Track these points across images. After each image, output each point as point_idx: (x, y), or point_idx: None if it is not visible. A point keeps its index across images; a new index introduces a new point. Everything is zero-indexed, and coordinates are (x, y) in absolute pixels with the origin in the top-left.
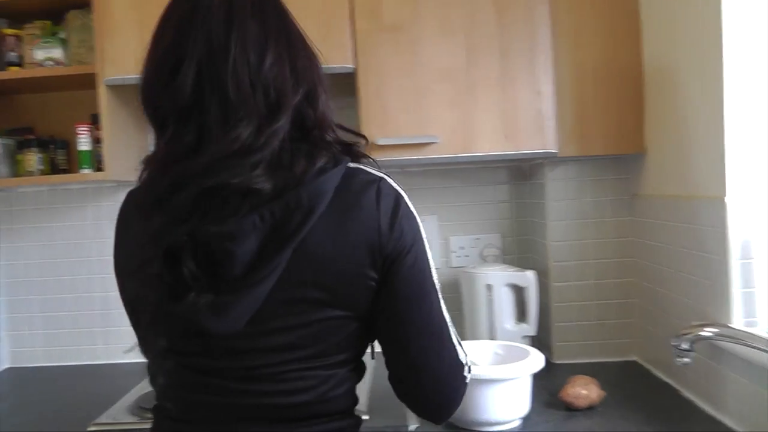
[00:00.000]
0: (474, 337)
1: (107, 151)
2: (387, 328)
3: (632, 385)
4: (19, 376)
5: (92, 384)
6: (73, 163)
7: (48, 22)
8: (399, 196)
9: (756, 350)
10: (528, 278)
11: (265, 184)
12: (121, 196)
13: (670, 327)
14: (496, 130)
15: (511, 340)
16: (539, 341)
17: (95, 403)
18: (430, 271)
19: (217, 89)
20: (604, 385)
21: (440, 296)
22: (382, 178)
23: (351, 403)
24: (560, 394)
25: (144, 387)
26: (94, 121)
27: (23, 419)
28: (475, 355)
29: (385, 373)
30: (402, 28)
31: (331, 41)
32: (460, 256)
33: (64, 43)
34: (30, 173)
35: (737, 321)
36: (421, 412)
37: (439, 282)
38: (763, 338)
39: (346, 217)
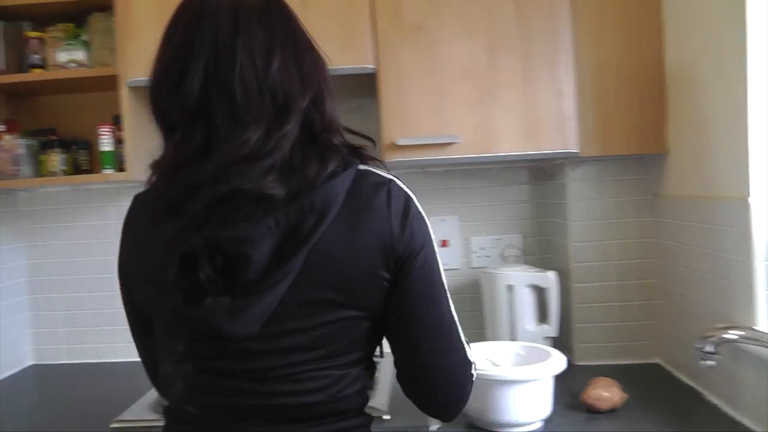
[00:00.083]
0: (495, 338)
1: (129, 151)
2: (398, 328)
3: (654, 387)
4: (42, 372)
5: (114, 381)
6: (95, 164)
7: (71, 25)
8: (408, 198)
9: None
10: (549, 279)
11: (278, 190)
12: None
13: (693, 329)
14: (517, 130)
15: (532, 341)
16: (560, 342)
17: (117, 400)
18: (439, 272)
19: (225, 93)
20: (625, 387)
21: (449, 296)
22: (391, 180)
23: (362, 402)
24: (582, 396)
25: None
26: (116, 122)
27: (47, 415)
28: (497, 355)
29: None
30: (423, 29)
31: (352, 42)
32: (480, 257)
33: (86, 45)
34: (53, 173)
35: (762, 323)
36: (431, 411)
37: (447, 282)
38: None
39: (358, 219)
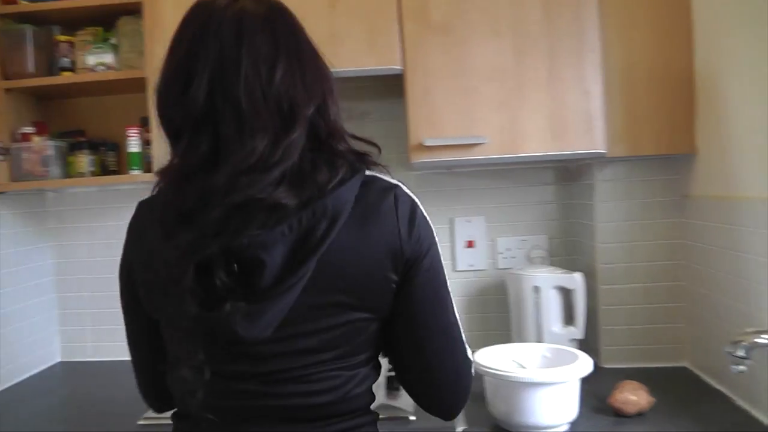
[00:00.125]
0: (521, 340)
1: (156, 152)
2: (405, 329)
3: (683, 391)
4: (70, 370)
5: None
6: (122, 165)
7: (100, 29)
8: (414, 203)
9: None
10: (576, 280)
11: (290, 200)
12: None
13: (722, 333)
14: (544, 130)
15: (558, 343)
16: (586, 345)
17: None
18: (444, 275)
19: (230, 102)
20: (653, 391)
21: (452, 297)
22: (397, 185)
23: (370, 400)
24: (609, 400)
25: None
26: (144, 123)
27: (75, 412)
28: (523, 357)
29: None
30: (449, 29)
31: (379, 43)
32: (507, 258)
33: (115, 48)
34: (81, 174)
35: None
36: (436, 410)
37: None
38: None
39: (367, 223)
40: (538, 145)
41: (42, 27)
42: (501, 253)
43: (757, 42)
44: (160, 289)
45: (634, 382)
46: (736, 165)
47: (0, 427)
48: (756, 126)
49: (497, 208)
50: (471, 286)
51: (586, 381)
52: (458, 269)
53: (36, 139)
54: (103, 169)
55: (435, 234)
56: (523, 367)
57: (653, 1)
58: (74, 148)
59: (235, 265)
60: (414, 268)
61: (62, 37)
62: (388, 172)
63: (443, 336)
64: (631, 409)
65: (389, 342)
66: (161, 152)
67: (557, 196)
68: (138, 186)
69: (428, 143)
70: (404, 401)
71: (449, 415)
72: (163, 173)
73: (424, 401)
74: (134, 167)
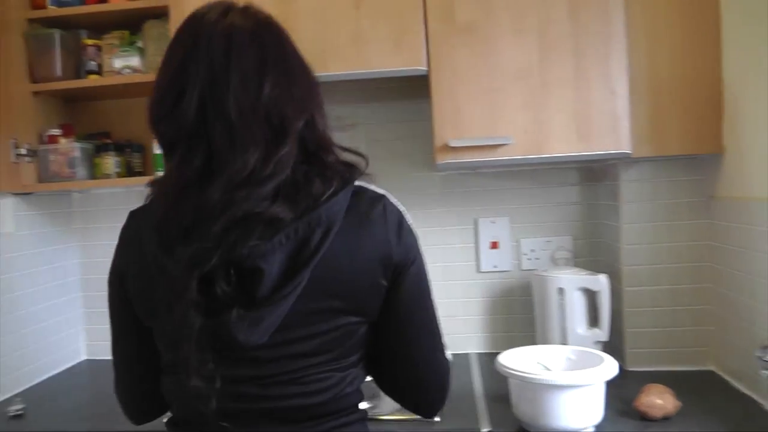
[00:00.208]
0: (545, 342)
1: None
2: (393, 329)
3: (710, 396)
4: (95, 367)
5: None
6: (148, 166)
7: (126, 32)
8: (401, 213)
9: None
10: (601, 282)
11: (286, 213)
12: None
13: (750, 336)
14: (569, 130)
15: (582, 345)
16: (611, 347)
17: None
18: (428, 279)
19: (220, 115)
20: (679, 395)
21: (434, 300)
22: (384, 195)
23: (360, 399)
24: (635, 403)
25: None
26: None
27: (101, 409)
28: (548, 360)
29: (456, 376)
30: (475, 28)
31: (404, 43)
32: (531, 259)
33: (141, 51)
34: (107, 176)
35: None
36: (421, 408)
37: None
38: None
39: (358, 232)
40: (563, 146)
41: (70, 31)
42: (525, 254)
43: None
44: (161, 301)
45: (660, 385)
46: (765, 165)
47: (27, 425)
48: None
49: (522, 209)
50: (495, 288)
51: (611, 384)
52: (482, 270)
53: (63, 141)
54: (129, 171)
55: (419, 241)
56: (548, 370)
57: (680, 0)
58: (100, 149)
59: (235, 274)
60: (402, 273)
61: (89, 41)
62: (374, 182)
63: (429, 335)
64: (657, 413)
65: (377, 344)
66: None
67: (582, 197)
68: None
69: (453, 144)
70: None
71: (432, 411)
72: (159, 184)
73: (409, 398)
74: (160, 169)
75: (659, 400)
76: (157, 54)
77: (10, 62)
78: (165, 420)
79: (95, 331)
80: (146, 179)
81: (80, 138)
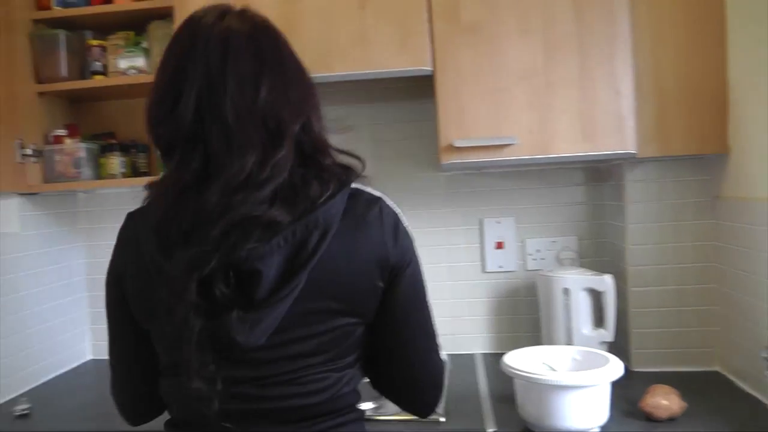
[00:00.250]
0: (551, 342)
1: None
2: (390, 331)
3: (715, 396)
4: (101, 367)
5: None
6: (153, 167)
7: (131, 33)
8: (397, 215)
9: None
10: (606, 282)
11: (284, 216)
12: None
13: (756, 337)
14: (574, 130)
15: (588, 346)
16: (616, 348)
17: None
18: (423, 280)
19: (217, 119)
20: (684, 395)
21: (430, 301)
22: (380, 198)
23: (357, 398)
24: (640, 404)
25: None
26: None
27: (106, 409)
28: (553, 360)
29: (461, 376)
30: (479, 29)
31: (409, 44)
32: (536, 259)
33: (146, 52)
34: (112, 176)
35: None
36: (416, 408)
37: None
38: None
39: (355, 234)
40: (568, 146)
41: (75, 32)
42: (530, 255)
43: None
44: (160, 303)
45: (666, 386)
46: None
47: (33, 425)
48: None
49: (527, 209)
50: (500, 288)
51: (616, 384)
52: (488, 270)
53: (68, 141)
54: (134, 171)
55: (415, 243)
56: (554, 370)
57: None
58: (105, 150)
59: (234, 277)
60: (399, 275)
61: (94, 42)
62: (370, 184)
63: (425, 336)
64: (662, 414)
65: (373, 345)
66: None
67: (587, 197)
68: None
69: (458, 144)
70: None
71: (429, 411)
72: (156, 187)
73: (405, 399)
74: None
75: (665, 401)
76: (161, 55)
77: (15, 63)
78: (164, 421)
79: (101, 331)
80: (151, 179)
81: (85, 138)
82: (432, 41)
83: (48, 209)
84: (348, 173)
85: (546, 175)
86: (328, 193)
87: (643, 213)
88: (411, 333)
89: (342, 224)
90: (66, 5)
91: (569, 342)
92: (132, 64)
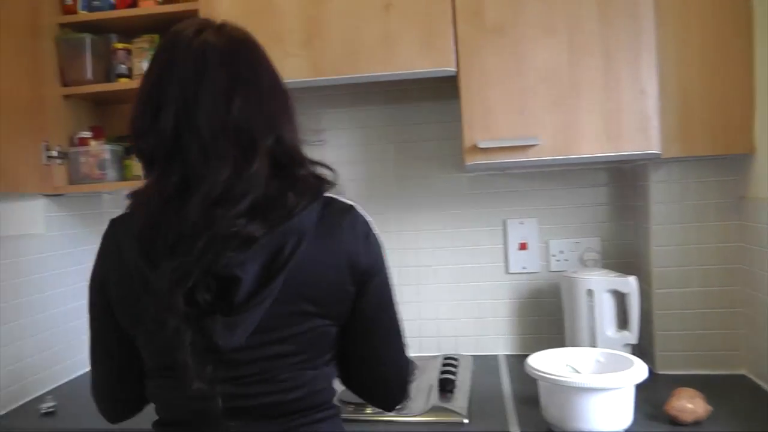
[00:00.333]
0: (574, 344)
1: None
2: (361, 330)
3: (741, 400)
4: None
5: None
6: None
7: (156, 36)
8: (368, 223)
9: None
10: (630, 284)
11: (261, 231)
12: None
13: None
14: (598, 131)
15: (611, 348)
16: (640, 350)
17: None
18: (391, 284)
19: (194, 133)
20: (710, 399)
21: (397, 301)
22: (353, 206)
23: (333, 395)
24: (665, 407)
25: None
26: None
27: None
28: (577, 362)
29: (485, 377)
30: (504, 30)
31: (433, 45)
32: (559, 260)
33: None
34: (137, 177)
35: None
36: (386, 405)
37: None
38: None
39: (329, 240)
40: (592, 146)
41: (100, 35)
42: (554, 256)
43: None
44: (146, 311)
45: (691, 389)
46: None
47: (59, 422)
48: None
49: (550, 210)
50: (523, 289)
51: (640, 387)
52: (511, 272)
53: (93, 143)
54: None
55: (384, 249)
56: (578, 372)
57: None
58: (130, 151)
59: (215, 283)
60: (370, 280)
61: (120, 45)
62: (343, 193)
63: (394, 335)
64: (687, 418)
65: (346, 346)
66: None
67: (611, 198)
68: None
69: (482, 145)
70: (457, 404)
71: (394, 405)
72: (138, 196)
73: (376, 396)
74: None
75: (690, 405)
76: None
77: (41, 66)
78: (152, 422)
79: None
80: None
81: (110, 140)
82: (456, 42)
83: (73, 210)
84: (322, 183)
85: (569, 175)
86: (304, 203)
87: (667, 214)
88: (383, 334)
89: (316, 231)
90: (91, 9)
91: (593, 344)
92: None
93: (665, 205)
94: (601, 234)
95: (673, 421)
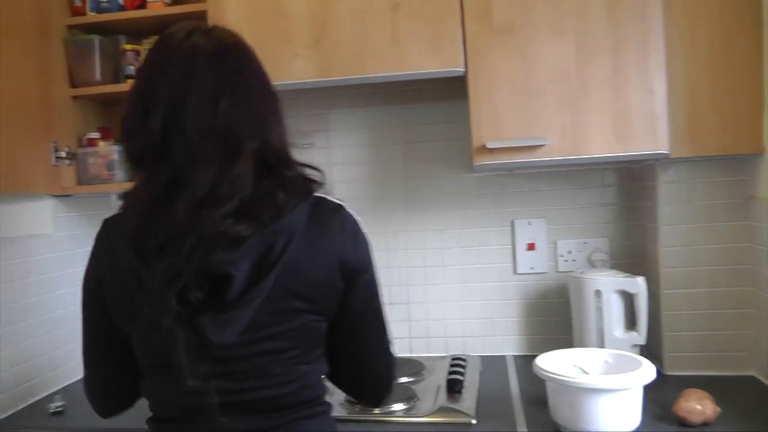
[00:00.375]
0: (582, 345)
1: None
2: (349, 326)
3: (750, 402)
4: None
5: None
6: None
7: None
8: (357, 221)
9: None
10: (638, 285)
11: (248, 230)
12: None
13: None
14: (607, 131)
15: (619, 348)
16: (648, 351)
17: None
18: (377, 281)
19: (181, 134)
20: (719, 400)
21: (383, 299)
22: (341, 205)
23: (325, 391)
24: (673, 408)
25: None
26: None
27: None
28: (585, 363)
29: (493, 378)
30: (513, 30)
31: (441, 45)
32: (567, 261)
33: None
34: None
35: None
36: (370, 399)
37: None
38: None
39: (318, 239)
40: (601, 147)
41: (109, 37)
42: (562, 256)
43: None
44: (140, 310)
45: (700, 390)
46: None
47: (68, 421)
48: None
49: (558, 210)
50: (531, 290)
51: (648, 388)
52: (519, 272)
53: (101, 144)
54: None
55: (371, 247)
56: (586, 373)
57: None
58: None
59: (206, 282)
60: (357, 277)
61: (128, 46)
62: (331, 193)
63: (381, 331)
64: (696, 419)
65: (334, 342)
66: None
67: (619, 198)
68: None
69: (490, 146)
70: (465, 404)
71: (380, 400)
72: (129, 197)
73: (366, 392)
74: None
75: (699, 406)
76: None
77: (50, 67)
78: (146, 418)
79: None
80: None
81: (118, 141)
82: (464, 43)
83: (81, 211)
84: (311, 184)
85: (577, 176)
86: (293, 203)
87: (676, 214)
88: (371, 329)
89: (306, 230)
90: (100, 11)
91: (601, 344)
92: None
93: (673, 205)
94: (609, 234)
95: (682, 423)
